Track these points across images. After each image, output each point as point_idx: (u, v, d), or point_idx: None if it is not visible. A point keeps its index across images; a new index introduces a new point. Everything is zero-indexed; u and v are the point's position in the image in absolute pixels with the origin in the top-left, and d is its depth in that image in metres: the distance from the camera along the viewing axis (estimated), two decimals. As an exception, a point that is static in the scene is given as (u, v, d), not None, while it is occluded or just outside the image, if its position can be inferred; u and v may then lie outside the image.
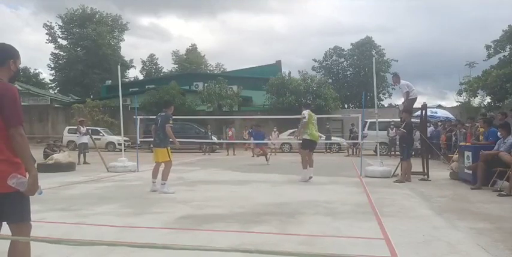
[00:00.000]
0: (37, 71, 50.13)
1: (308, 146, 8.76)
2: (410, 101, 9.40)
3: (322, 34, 76.70)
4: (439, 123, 16.40)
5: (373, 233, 4.14)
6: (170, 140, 7.18)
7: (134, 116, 11.70)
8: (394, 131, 16.53)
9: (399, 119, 10.58)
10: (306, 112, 8.81)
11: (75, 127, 14.74)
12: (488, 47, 21.74)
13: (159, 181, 6.98)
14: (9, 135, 2.28)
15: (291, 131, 21.39)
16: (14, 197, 2.31)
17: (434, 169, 10.03)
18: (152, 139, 7.55)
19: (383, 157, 13.64)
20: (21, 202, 2.38)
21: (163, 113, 7.25)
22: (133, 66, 50.36)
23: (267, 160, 13.69)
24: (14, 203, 2.33)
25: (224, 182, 8.45)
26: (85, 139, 13.29)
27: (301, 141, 9.01)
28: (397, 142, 13.82)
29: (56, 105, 32.19)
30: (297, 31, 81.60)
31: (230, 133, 19.68)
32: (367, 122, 16.07)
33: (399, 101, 13.58)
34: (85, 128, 13.60)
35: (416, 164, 9.30)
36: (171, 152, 7.20)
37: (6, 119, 2.27)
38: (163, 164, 7.17)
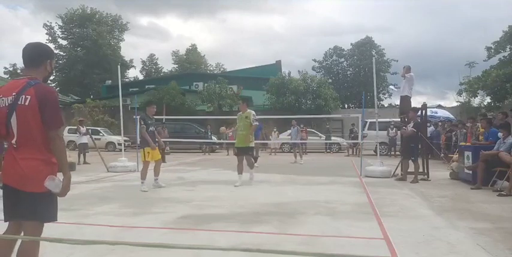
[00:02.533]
0: (37, 71, 50.11)
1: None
2: (406, 98, 9.54)
3: (322, 34, 76.74)
4: (439, 124, 16.39)
5: (373, 233, 4.14)
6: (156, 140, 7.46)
7: (134, 116, 11.71)
8: (394, 131, 16.55)
9: (399, 119, 10.59)
10: (254, 112, 7.93)
11: (75, 127, 14.75)
12: (488, 49, 21.72)
13: (153, 178, 7.50)
14: (49, 137, 2.30)
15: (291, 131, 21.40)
16: (45, 197, 2.34)
17: (434, 169, 10.03)
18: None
19: (383, 157, 13.63)
20: (52, 202, 2.42)
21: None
22: (133, 66, 50.30)
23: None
24: (44, 202, 2.36)
25: (224, 182, 8.44)
26: (85, 139, 13.29)
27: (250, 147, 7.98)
28: (398, 142, 13.84)
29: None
30: (296, 31, 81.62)
31: (230, 133, 19.66)
32: (367, 122, 16.06)
33: (398, 101, 13.56)
34: (85, 128, 13.61)
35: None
36: (148, 153, 7.28)
37: (46, 121, 2.29)
38: (152, 164, 7.51)
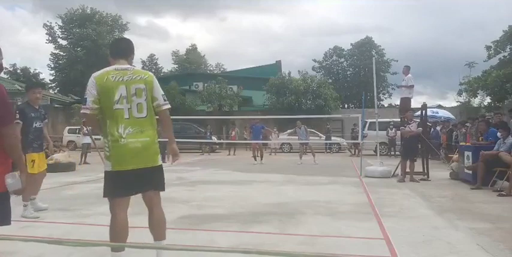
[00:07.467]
0: (37, 71, 50.12)
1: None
2: (406, 100, 9.56)
3: (321, 34, 76.70)
4: (438, 126, 16.31)
5: (373, 233, 4.13)
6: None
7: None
8: (393, 131, 16.54)
9: (399, 119, 10.58)
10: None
11: (76, 127, 14.77)
12: (488, 48, 21.72)
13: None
14: (1, 134, 2.23)
15: (291, 131, 21.38)
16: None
17: (434, 169, 10.03)
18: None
19: (383, 157, 13.63)
20: (6, 204, 2.33)
21: None
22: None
23: (255, 159, 13.37)
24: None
25: (224, 182, 8.44)
26: (88, 139, 13.34)
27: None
28: (398, 142, 13.80)
29: (56, 105, 32.16)
30: (296, 31, 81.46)
31: (233, 133, 19.90)
32: (367, 122, 16.07)
33: (398, 101, 13.66)
34: (88, 129, 13.65)
35: (416, 164, 9.29)
36: (32, 160, 4.93)
37: None
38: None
